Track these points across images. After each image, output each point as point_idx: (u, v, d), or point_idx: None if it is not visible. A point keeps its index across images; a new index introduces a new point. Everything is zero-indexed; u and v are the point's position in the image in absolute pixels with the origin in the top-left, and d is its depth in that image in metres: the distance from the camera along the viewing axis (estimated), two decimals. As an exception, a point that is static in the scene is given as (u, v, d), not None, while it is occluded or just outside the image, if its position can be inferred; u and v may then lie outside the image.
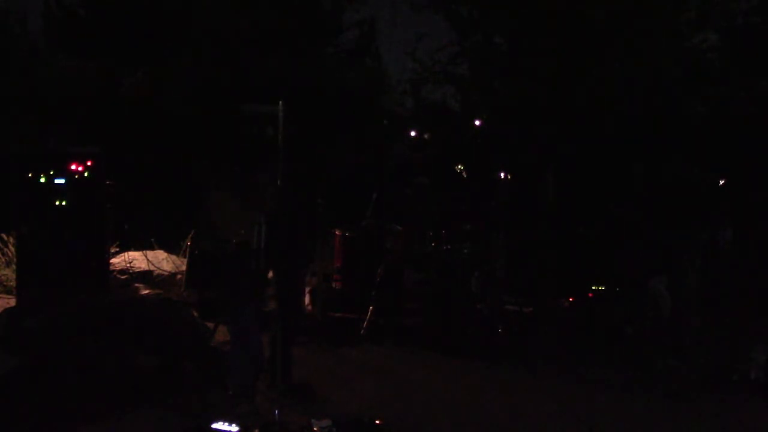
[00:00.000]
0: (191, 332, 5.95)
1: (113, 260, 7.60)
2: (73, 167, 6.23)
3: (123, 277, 7.66)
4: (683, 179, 7.91)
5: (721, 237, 8.52)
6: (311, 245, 6.11)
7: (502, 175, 8.78)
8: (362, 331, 7.04)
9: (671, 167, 8.36)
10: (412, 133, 11.49)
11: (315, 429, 4.39)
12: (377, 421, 4.59)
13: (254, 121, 4.63)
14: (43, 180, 6.21)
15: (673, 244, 7.30)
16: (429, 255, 7.57)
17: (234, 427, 4.29)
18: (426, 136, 10.99)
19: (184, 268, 7.64)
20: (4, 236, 8.14)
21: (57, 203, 6.20)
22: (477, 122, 10.71)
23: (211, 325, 6.13)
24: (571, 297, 8.29)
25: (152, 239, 8.33)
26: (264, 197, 5.19)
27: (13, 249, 7.83)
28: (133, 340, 5.42)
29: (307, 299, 8.24)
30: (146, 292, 7.32)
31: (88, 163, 6.26)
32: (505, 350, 6.79)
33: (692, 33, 10.48)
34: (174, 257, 8.10)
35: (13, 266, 7.45)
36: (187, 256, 7.58)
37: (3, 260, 8.15)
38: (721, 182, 9.41)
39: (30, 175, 6.22)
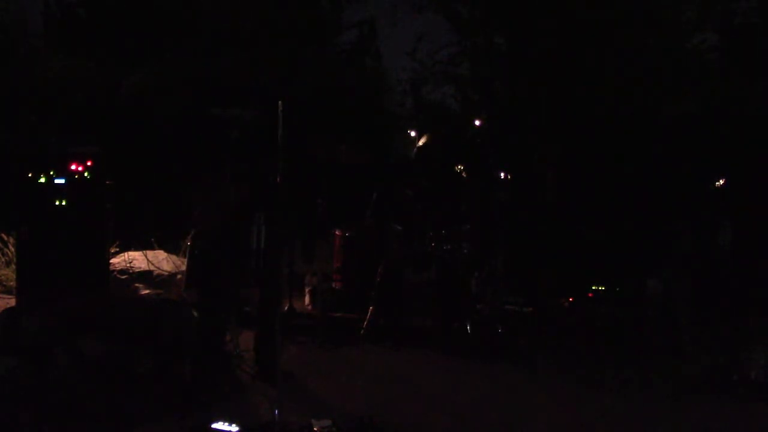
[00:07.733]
0: (191, 332, 5.95)
1: (113, 260, 7.59)
2: (73, 167, 6.21)
3: (123, 277, 7.66)
4: (676, 179, 7.91)
5: (721, 237, 8.53)
6: (311, 245, 6.10)
7: (502, 175, 8.79)
8: (362, 331, 7.04)
9: (666, 167, 8.36)
10: (412, 133, 11.52)
11: (315, 429, 4.39)
12: (377, 421, 4.60)
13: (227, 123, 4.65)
14: (43, 180, 6.19)
15: (660, 245, 7.31)
16: (429, 255, 7.57)
17: (234, 427, 4.29)
18: (426, 135, 11.00)
19: (184, 268, 7.63)
20: (4, 236, 8.14)
21: (57, 203, 6.19)
22: (477, 122, 10.72)
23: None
24: (571, 297, 8.30)
25: (152, 239, 8.32)
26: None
27: (13, 249, 7.83)
28: (133, 340, 5.43)
29: (307, 299, 8.26)
30: (146, 292, 7.33)
31: (88, 163, 6.25)
32: (505, 350, 6.79)
33: (692, 33, 10.48)
34: (174, 257, 8.10)
35: (13, 266, 7.45)
36: (187, 256, 7.57)
37: (3, 260, 8.16)
38: (721, 182, 9.42)
39: (30, 175, 6.22)
